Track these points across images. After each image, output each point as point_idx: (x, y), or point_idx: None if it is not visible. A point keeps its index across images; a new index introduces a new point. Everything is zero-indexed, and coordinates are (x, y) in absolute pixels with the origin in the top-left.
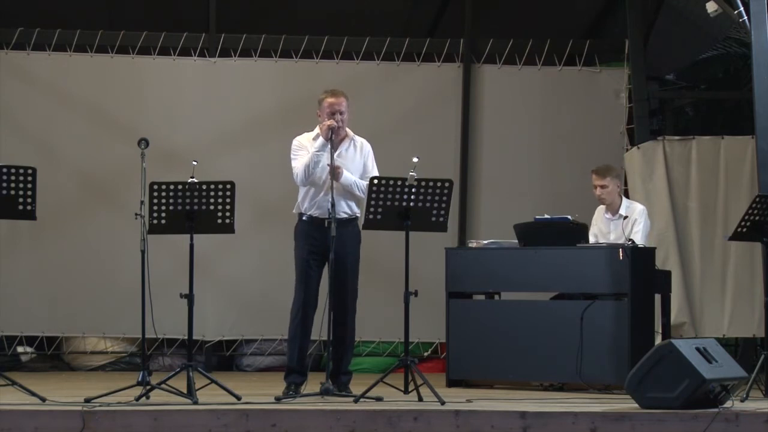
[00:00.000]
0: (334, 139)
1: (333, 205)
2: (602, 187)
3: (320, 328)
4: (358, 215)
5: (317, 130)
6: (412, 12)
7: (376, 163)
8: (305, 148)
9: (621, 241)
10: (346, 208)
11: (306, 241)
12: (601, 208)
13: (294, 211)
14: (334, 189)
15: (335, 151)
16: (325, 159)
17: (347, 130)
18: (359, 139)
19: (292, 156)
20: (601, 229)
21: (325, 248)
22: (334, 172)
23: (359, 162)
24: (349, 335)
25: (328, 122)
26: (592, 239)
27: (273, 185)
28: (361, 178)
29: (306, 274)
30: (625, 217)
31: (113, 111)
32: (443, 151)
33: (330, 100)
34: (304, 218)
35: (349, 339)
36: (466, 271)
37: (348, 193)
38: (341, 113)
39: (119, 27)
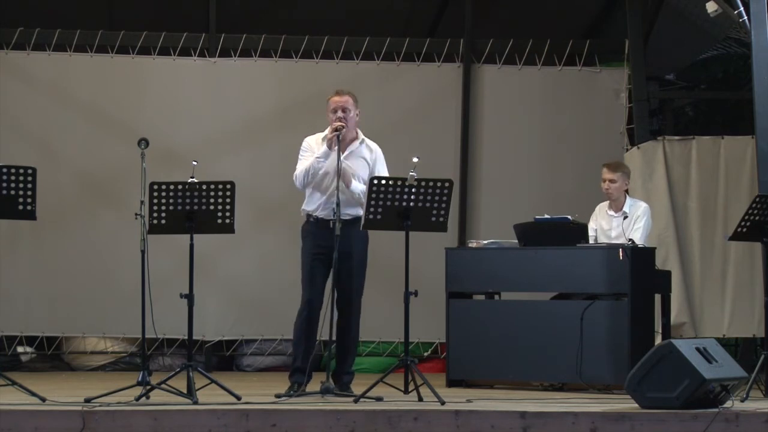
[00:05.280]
0: (341, 138)
1: (338, 204)
2: (611, 181)
3: (321, 328)
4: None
5: (327, 130)
6: (412, 12)
7: (387, 168)
8: (312, 149)
9: (621, 239)
10: (352, 209)
11: (312, 241)
12: (604, 204)
13: (302, 213)
14: (341, 191)
15: (342, 153)
16: (329, 165)
17: (358, 131)
18: (372, 144)
19: (299, 156)
20: (602, 226)
21: (330, 248)
22: (345, 175)
23: (366, 166)
24: (353, 335)
25: (334, 125)
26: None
27: (273, 185)
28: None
29: (312, 274)
30: (626, 217)
31: (113, 111)
32: (443, 151)
33: (335, 98)
34: (311, 219)
35: (352, 338)
36: (466, 271)
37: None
38: (344, 111)
39: (119, 27)
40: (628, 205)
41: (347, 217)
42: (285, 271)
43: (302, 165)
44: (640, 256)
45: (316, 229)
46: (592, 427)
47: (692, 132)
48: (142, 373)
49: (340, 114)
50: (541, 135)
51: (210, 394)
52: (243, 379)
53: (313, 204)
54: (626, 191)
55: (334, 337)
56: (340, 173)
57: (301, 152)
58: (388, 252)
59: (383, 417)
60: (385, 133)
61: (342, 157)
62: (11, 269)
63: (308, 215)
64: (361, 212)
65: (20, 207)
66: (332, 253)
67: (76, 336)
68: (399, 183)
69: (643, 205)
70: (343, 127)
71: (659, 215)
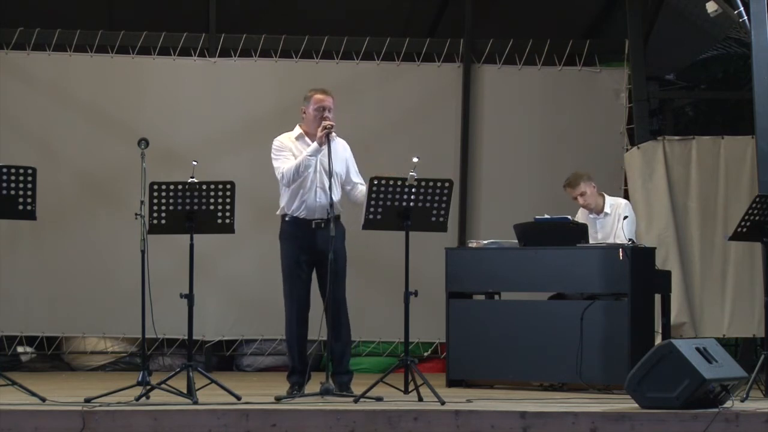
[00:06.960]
0: (331, 139)
1: (332, 205)
2: (581, 195)
3: (319, 328)
4: (341, 212)
5: (297, 129)
6: (412, 12)
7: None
8: (288, 148)
9: (610, 239)
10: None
11: (294, 243)
12: (583, 209)
13: (278, 213)
14: (324, 189)
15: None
16: (316, 162)
17: None
18: (343, 141)
19: (273, 156)
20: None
21: (312, 249)
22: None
23: (343, 161)
24: (347, 333)
25: (325, 123)
26: None
27: (273, 185)
28: (345, 178)
29: (297, 276)
30: (626, 217)
31: (113, 111)
32: (443, 151)
33: (319, 96)
34: (287, 219)
35: (346, 336)
36: (466, 271)
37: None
38: (330, 110)
39: (119, 27)
40: (608, 205)
41: (328, 216)
42: None
43: (288, 163)
44: (640, 256)
45: (295, 229)
46: (592, 427)
47: (692, 132)
48: (142, 373)
49: (327, 114)
50: (541, 135)
51: (210, 394)
52: (243, 379)
53: (295, 203)
54: (599, 190)
55: (329, 337)
56: (331, 172)
57: (276, 152)
58: (388, 252)
59: (383, 417)
60: (385, 133)
61: (322, 155)
62: (11, 269)
63: (284, 216)
64: (340, 210)
65: (20, 207)
66: (315, 253)
67: (76, 336)
68: (399, 183)
69: (623, 202)
70: (332, 126)
71: (659, 215)
